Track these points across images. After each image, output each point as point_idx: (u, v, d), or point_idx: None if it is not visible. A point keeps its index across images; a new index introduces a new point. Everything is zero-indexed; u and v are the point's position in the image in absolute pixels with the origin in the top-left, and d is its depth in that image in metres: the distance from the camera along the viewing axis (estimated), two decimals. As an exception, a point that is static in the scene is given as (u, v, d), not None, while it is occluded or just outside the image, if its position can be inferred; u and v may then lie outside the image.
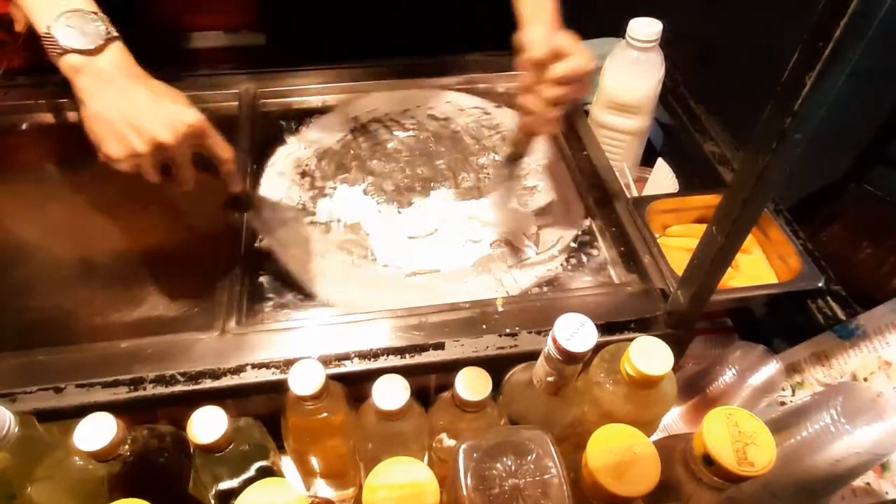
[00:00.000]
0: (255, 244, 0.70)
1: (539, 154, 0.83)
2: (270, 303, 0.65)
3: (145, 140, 0.54)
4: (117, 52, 0.55)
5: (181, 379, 0.56)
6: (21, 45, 0.87)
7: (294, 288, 0.66)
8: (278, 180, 0.78)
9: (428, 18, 0.91)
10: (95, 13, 0.55)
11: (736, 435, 0.42)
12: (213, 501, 0.50)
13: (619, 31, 0.78)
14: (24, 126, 0.85)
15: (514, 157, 0.75)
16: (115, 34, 0.55)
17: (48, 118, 0.86)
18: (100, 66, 0.54)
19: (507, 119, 0.89)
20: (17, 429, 0.45)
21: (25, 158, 0.81)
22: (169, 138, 0.54)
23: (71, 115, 0.86)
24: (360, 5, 0.87)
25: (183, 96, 0.57)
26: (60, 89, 0.86)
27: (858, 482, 0.56)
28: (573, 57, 0.60)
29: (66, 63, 0.54)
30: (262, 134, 0.84)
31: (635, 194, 0.82)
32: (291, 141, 0.84)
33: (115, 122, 0.54)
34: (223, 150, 0.61)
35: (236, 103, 0.86)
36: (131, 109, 0.54)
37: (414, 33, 0.83)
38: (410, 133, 0.85)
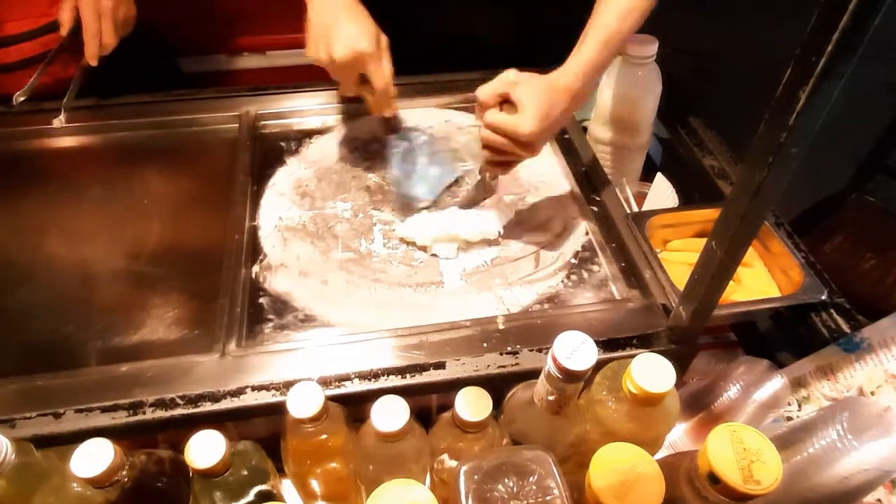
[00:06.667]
0: (255, 265, 0.70)
1: (538, 171, 0.83)
2: (270, 324, 0.65)
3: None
4: None
5: (181, 402, 0.56)
6: (70, 51, 0.86)
7: (294, 309, 0.66)
8: (279, 200, 0.78)
9: (427, 38, 0.92)
10: None
11: (741, 452, 0.42)
12: (212, 527, 0.50)
13: (615, 48, 0.79)
14: (24, 150, 0.85)
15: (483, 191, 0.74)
16: None
17: (49, 142, 0.87)
18: None
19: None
20: (13, 456, 0.44)
21: (26, 182, 0.81)
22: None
23: (71, 141, 0.87)
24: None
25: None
26: (59, 113, 0.87)
27: (869, 499, 0.55)
28: (515, 115, 0.61)
29: None
30: (262, 155, 0.84)
31: (635, 209, 0.82)
32: (291, 161, 0.84)
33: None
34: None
35: (237, 125, 0.87)
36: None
37: (413, 53, 0.84)
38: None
